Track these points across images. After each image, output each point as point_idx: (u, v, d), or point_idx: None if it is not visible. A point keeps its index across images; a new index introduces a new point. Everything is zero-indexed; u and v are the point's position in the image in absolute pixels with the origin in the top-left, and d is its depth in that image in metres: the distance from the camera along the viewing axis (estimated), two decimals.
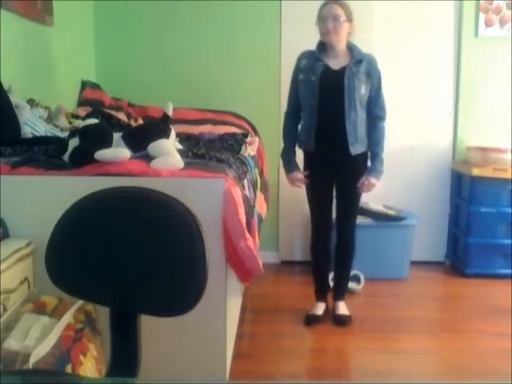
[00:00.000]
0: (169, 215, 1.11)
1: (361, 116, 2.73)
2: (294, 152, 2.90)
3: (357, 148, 2.74)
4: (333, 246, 2.99)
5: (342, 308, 3.00)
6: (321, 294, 3.05)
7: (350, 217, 2.92)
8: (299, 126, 2.88)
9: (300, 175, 2.87)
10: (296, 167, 2.90)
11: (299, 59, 2.81)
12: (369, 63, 2.72)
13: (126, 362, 1.13)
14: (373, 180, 2.79)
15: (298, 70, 2.80)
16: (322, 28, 2.69)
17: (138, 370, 1.13)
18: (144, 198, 1.15)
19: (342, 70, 2.69)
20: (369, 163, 2.84)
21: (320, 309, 3.01)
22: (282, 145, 3.43)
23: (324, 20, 2.66)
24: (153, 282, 1.09)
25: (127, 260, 1.11)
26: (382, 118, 2.81)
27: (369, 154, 2.84)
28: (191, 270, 1.07)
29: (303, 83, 2.76)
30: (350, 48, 2.74)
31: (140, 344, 1.14)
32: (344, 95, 2.66)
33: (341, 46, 2.72)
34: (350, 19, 2.68)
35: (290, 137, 2.89)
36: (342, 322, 2.91)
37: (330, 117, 2.70)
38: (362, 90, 2.70)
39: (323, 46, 2.75)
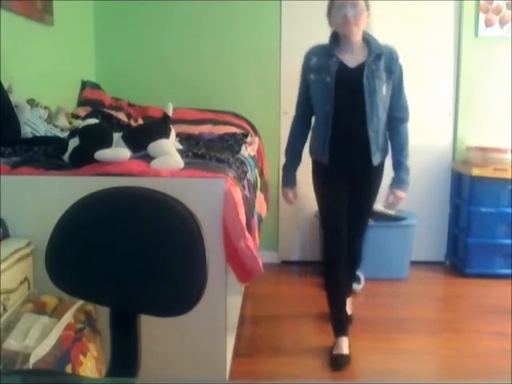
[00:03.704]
0: (169, 215, 1.11)
1: (383, 121, 2.41)
2: (297, 164, 2.61)
3: (377, 157, 2.44)
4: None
5: (348, 306, 2.81)
6: (341, 326, 2.62)
7: (362, 226, 2.66)
8: (310, 133, 2.59)
9: (294, 193, 2.61)
10: (294, 183, 2.61)
11: (308, 56, 2.45)
12: (389, 57, 2.38)
13: (125, 362, 1.13)
14: (400, 193, 2.48)
15: (307, 69, 2.44)
16: (338, 17, 2.31)
17: (138, 370, 1.13)
18: (144, 198, 1.15)
19: (360, 67, 2.35)
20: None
21: (345, 346, 2.57)
22: (282, 147, 3.39)
23: (341, 8, 2.28)
24: (152, 282, 1.09)
25: (127, 260, 1.11)
26: (404, 120, 2.48)
27: (391, 162, 2.53)
28: (191, 270, 1.07)
29: (315, 84, 2.41)
30: (367, 41, 2.39)
31: (140, 344, 1.14)
32: (364, 98, 2.32)
33: (357, 38, 2.36)
34: (367, 7, 2.33)
35: (295, 146, 2.58)
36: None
37: (348, 123, 2.39)
38: (384, 91, 2.36)
39: (336, 40, 2.41)
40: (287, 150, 2.66)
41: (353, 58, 2.38)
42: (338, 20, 2.34)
